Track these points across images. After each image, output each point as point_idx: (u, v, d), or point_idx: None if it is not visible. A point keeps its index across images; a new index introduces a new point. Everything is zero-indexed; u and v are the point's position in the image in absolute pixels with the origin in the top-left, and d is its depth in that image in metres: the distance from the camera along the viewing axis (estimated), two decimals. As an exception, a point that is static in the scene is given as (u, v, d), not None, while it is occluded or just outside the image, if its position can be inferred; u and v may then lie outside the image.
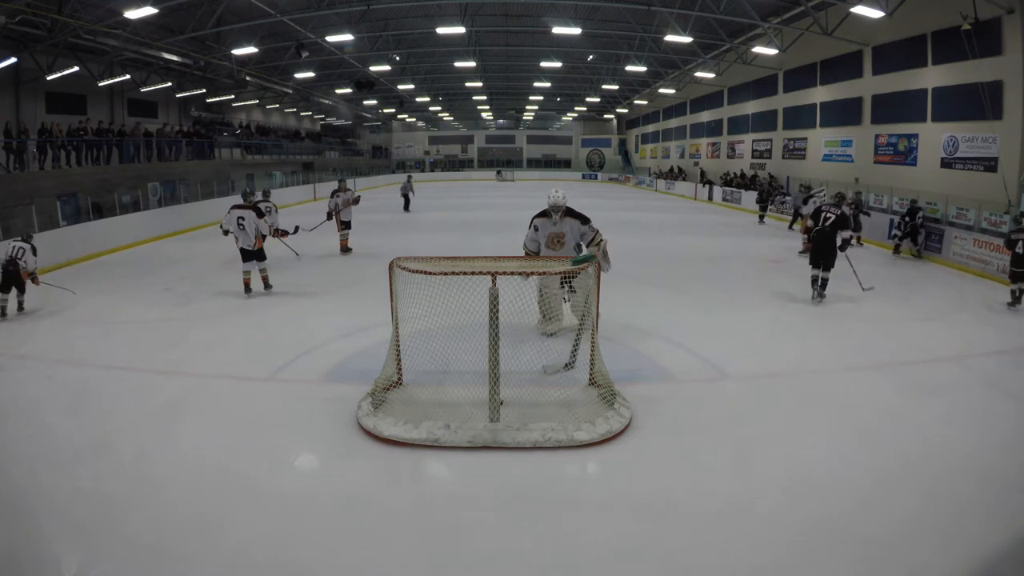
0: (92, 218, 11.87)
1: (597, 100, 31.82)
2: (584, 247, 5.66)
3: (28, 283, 6.90)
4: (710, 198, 23.07)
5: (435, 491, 3.50)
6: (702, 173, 25.57)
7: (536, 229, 5.76)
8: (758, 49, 16.88)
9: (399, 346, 4.40)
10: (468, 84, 27.84)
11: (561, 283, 5.47)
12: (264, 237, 7.65)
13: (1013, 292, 7.22)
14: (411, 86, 26.32)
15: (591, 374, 4.44)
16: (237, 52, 16.78)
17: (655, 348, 5.56)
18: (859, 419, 4.17)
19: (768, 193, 16.73)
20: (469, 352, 4.14)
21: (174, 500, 3.20)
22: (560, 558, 2.79)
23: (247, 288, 7.68)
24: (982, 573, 2.66)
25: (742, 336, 6.00)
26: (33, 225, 9.44)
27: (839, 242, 7.07)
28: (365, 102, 32.36)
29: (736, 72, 20.78)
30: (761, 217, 16.20)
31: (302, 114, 34.16)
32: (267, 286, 7.81)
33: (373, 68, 22.39)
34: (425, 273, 3.98)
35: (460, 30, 16.88)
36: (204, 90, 21.38)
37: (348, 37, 16.46)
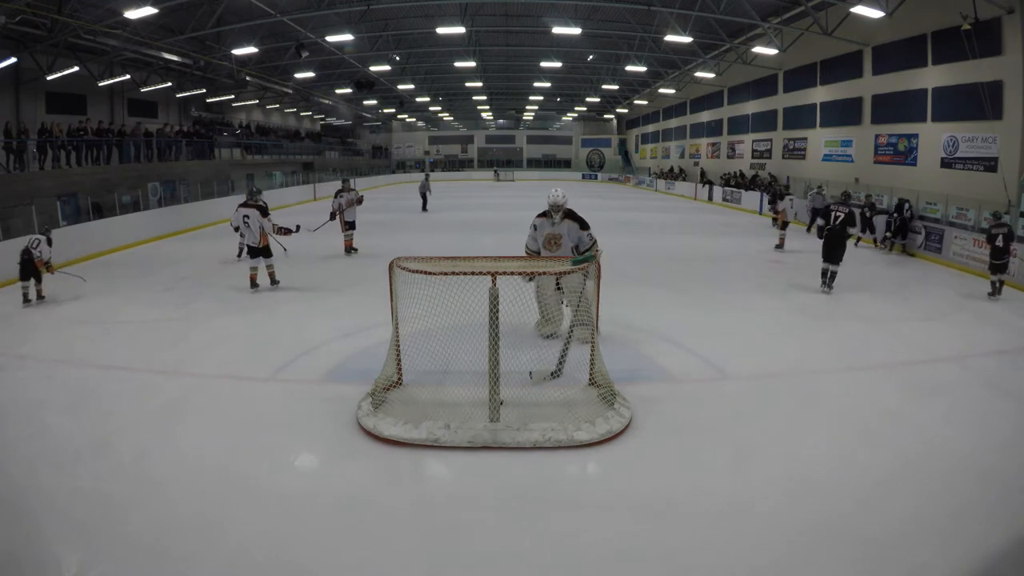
0: (92, 218, 11.89)
1: (597, 100, 31.80)
2: (580, 254, 5.61)
3: (44, 272, 7.36)
4: (710, 198, 23.08)
5: (435, 491, 3.50)
6: (702, 173, 25.55)
7: (535, 229, 5.75)
8: (758, 49, 16.86)
9: (399, 346, 4.40)
10: (468, 84, 27.84)
11: (556, 286, 5.46)
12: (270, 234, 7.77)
13: (993, 283, 7.84)
14: (411, 86, 26.32)
15: (591, 374, 4.44)
16: (237, 52, 16.77)
17: (655, 348, 5.56)
18: (859, 419, 4.17)
19: (780, 195, 16.39)
20: (469, 352, 4.13)
21: (174, 500, 3.20)
22: (560, 558, 2.79)
23: (253, 283, 7.82)
24: (982, 573, 2.66)
25: (742, 336, 6.00)
26: (33, 225, 9.43)
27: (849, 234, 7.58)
28: (365, 102, 32.34)
29: (736, 72, 20.76)
30: (777, 220, 15.35)
31: (302, 114, 34.13)
32: (273, 281, 7.95)
33: (373, 68, 22.39)
34: (425, 273, 3.98)
35: (460, 30, 16.87)
36: (204, 90, 21.36)
37: (348, 37, 16.45)
